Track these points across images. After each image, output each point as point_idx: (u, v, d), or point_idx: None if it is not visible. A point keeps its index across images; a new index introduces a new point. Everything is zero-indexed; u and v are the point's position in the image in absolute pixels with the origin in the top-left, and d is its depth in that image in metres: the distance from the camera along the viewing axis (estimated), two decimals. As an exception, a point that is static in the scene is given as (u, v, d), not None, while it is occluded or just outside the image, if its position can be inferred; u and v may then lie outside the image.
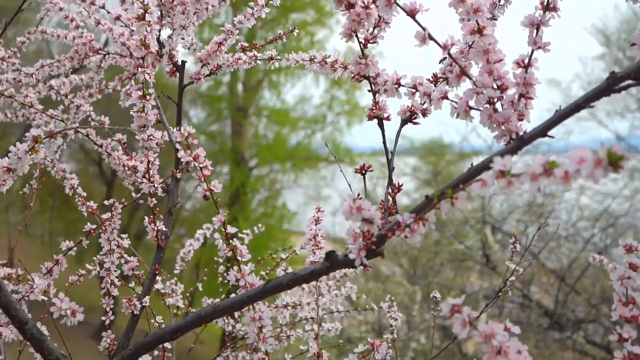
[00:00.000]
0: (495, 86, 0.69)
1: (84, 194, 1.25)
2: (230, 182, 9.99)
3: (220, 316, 0.74)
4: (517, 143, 0.64)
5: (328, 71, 0.91)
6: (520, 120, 0.68)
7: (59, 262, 1.02)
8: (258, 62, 1.13)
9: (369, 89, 0.81)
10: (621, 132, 8.63)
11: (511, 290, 1.22)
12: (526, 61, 0.68)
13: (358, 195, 0.68)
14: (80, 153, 10.09)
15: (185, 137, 0.71)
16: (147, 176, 1.04)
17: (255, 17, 1.07)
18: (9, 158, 0.83)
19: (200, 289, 1.54)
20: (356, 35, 0.76)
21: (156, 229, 1.11)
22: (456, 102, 0.72)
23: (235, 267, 0.78)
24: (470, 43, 0.73)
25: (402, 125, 0.82)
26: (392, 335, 1.24)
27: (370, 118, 0.81)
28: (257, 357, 0.80)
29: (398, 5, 0.69)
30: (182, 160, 0.71)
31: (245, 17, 1.07)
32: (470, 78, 0.71)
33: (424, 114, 0.82)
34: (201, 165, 0.73)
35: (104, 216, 1.03)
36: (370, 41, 0.79)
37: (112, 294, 1.07)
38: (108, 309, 1.08)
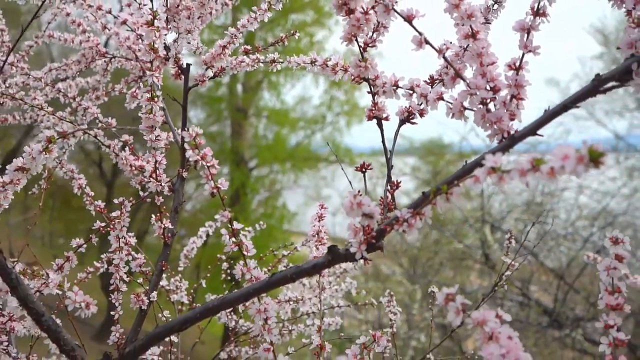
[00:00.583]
0: (488, 88, 0.73)
1: (92, 193, 1.29)
2: (230, 183, 10.02)
3: (228, 308, 0.77)
4: (509, 141, 0.68)
5: (329, 74, 0.95)
6: (512, 119, 0.72)
7: (70, 259, 1.06)
8: (260, 64, 1.17)
9: (369, 90, 0.85)
10: (620, 131, 8.66)
11: (507, 286, 1.25)
12: (517, 64, 0.72)
13: (358, 192, 0.71)
14: (80, 154, 10.12)
15: (193, 137, 0.75)
16: (154, 175, 1.07)
17: (258, 21, 1.11)
18: (23, 158, 0.86)
19: (204, 285, 1.57)
20: (356, 39, 0.80)
21: (163, 226, 1.14)
22: (451, 103, 0.76)
23: (242, 262, 0.82)
24: (464, 46, 0.77)
25: (400, 125, 0.86)
26: (392, 330, 1.27)
27: (369, 118, 0.85)
28: (262, 348, 0.83)
29: (396, 11, 0.73)
30: (190, 159, 0.75)
31: (248, 21, 1.11)
32: (464, 80, 0.75)
33: (421, 114, 0.85)
34: (208, 164, 0.77)
35: (114, 214, 1.07)
36: (370, 45, 0.82)
37: (120, 289, 1.11)
38: (117, 304, 1.12)
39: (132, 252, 1.19)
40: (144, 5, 1.13)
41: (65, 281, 0.84)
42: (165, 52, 1.11)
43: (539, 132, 0.68)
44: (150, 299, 1.09)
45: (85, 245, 1.10)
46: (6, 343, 1.11)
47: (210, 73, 1.17)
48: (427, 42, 0.73)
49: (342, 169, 0.95)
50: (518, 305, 6.95)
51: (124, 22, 1.24)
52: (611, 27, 8.40)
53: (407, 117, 0.85)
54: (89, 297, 0.80)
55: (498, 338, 0.58)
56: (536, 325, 6.44)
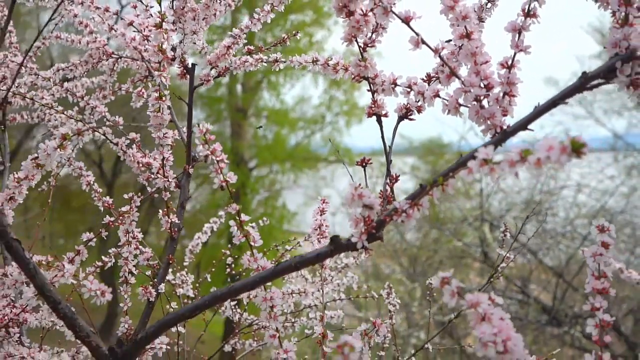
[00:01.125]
0: (482, 85, 0.77)
1: (100, 189, 1.33)
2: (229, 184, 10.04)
3: (235, 295, 0.81)
4: (501, 136, 0.72)
5: (330, 73, 0.99)
6: (505, 115, 0.76)
7: (80, 252, 1.10)
8: (263, 64, 1.21)
9: (368, 88, 0.89)
10: (618, 130, 8.71)
11: (503, 278, 1.29)
12: (509, 62, 0.76)
13: (359, 184, 0.75)
14: (81, 154, 10.16)
15: (203, 133, 0.79)
16: (161, 171, 1.11)
17: (261, 22, 1.15)
18: (38, 154, 0.90)
19: (209, 279, 1.61)
20: (356, 40, 0.84)
21: (170, 221, 1.18)
22: (447, 100, 0.80)
23: (248, 252, 0.86)
24: (459, 46, 0.81)
25: (398, 121, 0.90)
26: (392, 321, 1.31)
27: (369, 115, 0.89)
28: (268, 335, 0.87)
29: (394, 13, 0.77)
30: (200, 154, 0.79)
31: (252, 22, 1.15)
32: (459, 78, 0.79)
33: (419, 111, 0.89)
34: (218, 158, 0.81)
35: (123, 209, 1.11)
36: (369, 45, 0.86)
37: (129, 282, 1.15)
38: (126, 296, 1.16)
39: (140, 247, 1.23)
40: (151, 7, 1.17)
41: (80, 271, 0.88)
42: (172, 53, 1.15)
43: (530, 127, 0.72)
44: (159, 291, 1.13)
45: (95, 239, 1.14)
46: (18, 335, 1.16)
47: (214, 73, 1.21)
48: (423, 42, 0.78)
49: (343, 163, 0.99)
50: (517, 303, 7.00)
51: (131, 24, 1.27)
52: (609, 26, 8.43)
53: (405, 114, 0.89)
54: (103, 286, 0.84)
55: (490, 319, 0.62)
56: (535, 322, 6.49)
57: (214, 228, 1.68)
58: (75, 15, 1.45)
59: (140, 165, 1.24)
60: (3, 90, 1.35)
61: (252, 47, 1.25)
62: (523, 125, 0.70)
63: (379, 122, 0.89)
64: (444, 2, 0.76)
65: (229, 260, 1.63)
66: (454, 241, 7.28)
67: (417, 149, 10.45)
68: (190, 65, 1.23)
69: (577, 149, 0.50)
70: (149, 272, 1.19)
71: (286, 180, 11.58)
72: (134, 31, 1.30)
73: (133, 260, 1.14)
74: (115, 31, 1.39)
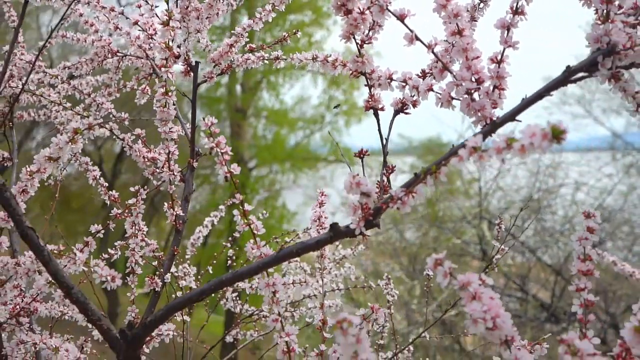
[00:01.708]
0: (473, 79, 0.81)
1: (106, 184, 1.37)
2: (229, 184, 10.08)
3: (240, 280, 0.85)
4: (490, 127, 0.76)
5: (329, 69, 1.03)
6: (494, 108, 0.80)
7: (89, 244, 1.14)
8: (265, 61, 1.25)
9: (366, 83, 0.93)
10: (617, 129, 8.76)
11: (502, 276, 1.33)
12: (499, 58, 0.80)
13: (357, 174, 0.79)
14: (81, 155, 10.19)
15: (208, 127, 0.83)
16: (167, 165, 1.15)
17: (263, 21, 1.19)
18: (50, 148, 0.94)
19: (211, 271, 1.66)
20: (353, 37, 0.88)
21: (175, 214, 1.22)
22: (440, 93, 0.84)
23: (251, 240, 0.90)
24: (452, 43, 0.85)
25: (394, 115, 0.94)
26: (390, 311, 1.35)
27: (366, 109, 0.93)
28: (271, 318, 0.91)
29: (389, 11, 0.81)
30: (205, 146, 0.83)
31: (254, 21, 1.19)
32: (451, 72, 0.83)
33: (414, 105, 0.93)
34: (222, 151, 0.85)
35: (130, 201, 1.15)
36: (366, 42, 0.90)
37: (136, 272, 1.19)
38: (133, 286, 1.20)
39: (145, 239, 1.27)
40: (156, 7, 1.21)
41: (91, 259, 0.92)
42: (177, 50, 1.19)
43: (518, 118, 0.76)
44: (165, 281, 1.17)
45: (103, 231, 1.18)
46: (28, 324, 1.20)
47: (217, 70, 1.26)
48: (417, 39, 0.82)
49: (346, 162, 1.02)
50: (517, 301, 7.05)
51: (136, 23, 1.31)
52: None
53: (401, 108, 0.93)
54: (113, 271, 0.88)
55: (480, 297, 0.66)
56: (534, 320, 6.54)
57: (214, 222, 1.72)
58: (81, 15, 1.49)
59: (146, 159, 1.28)
60: (13, 87, 1.39)
61: (253, 46, 1.29)
62: (511, 116, 0.75)
63: (376, 115, 0.93)
64: (436, 1, 0.81)
65: (230, 252, 1.67)
66: (453, 239, 7.33)
67: (417, 148, 10.51)
68: (193, 63, 1.27)
69: (557, 135, 0.54)
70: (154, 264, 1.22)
71: (286, 180, 11.63)
72: (139, 30, 1.35)
73: (140, 251, 1.18)
74: (121, 30, 1.43)
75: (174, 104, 1.24)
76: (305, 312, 1.46)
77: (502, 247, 1.35)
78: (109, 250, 1.35)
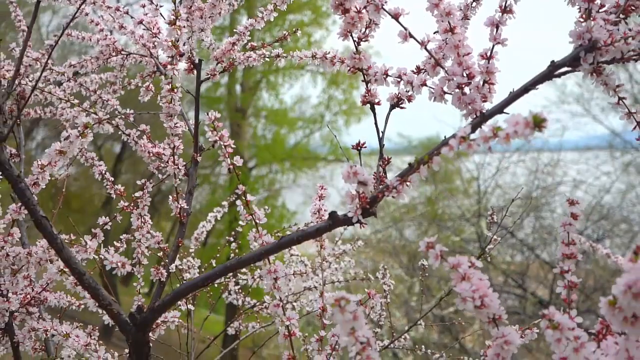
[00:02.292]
0: (464, 74, 0.85)
1: (112, 178, 1.41)
2: (229, 183, 10.15)
3: (243, 267, 0.90)
4: (480, 119, 0.80)
5: (328, 65, 1.07)
6: (484, 101, 0.84)
7: (97, 235, 1.18)
8: (266, 59, 1.29)
9: (363, 79, 0.98)
10: (616, 128, 8.81)
11: (490, 257, 1.38)
12: (488, 54, 0.85)
13: (354, 164, 0.84)
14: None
15: (212, 121, 0.87)
16: (172, 159, 1.20)
17: (264, 20, 1.23)
18: (61, 143, 0.99)
19: (215, 265, 1.70)
20: (351, 35, 0.93)
21: (179, 206, 1.26)
22: (433, 88, 0.89)
23: (254, 229, 0.94)
24: (445, 40, 0.89)
25: (390, 109, 0.98)
26: (386, 300, 1.40)
27: (363, 103, 0.97)
28: (272, 304, 0.96)
29: (384, 10, 0.85)
30: (210, 139, 0.88)
31: (255, 20, 1.23)
32: (443, 68, 0.87)
33: (409, 100, 0.98)
34: (225, 144, 0.89)
35: (136, 194, 1.19)
36: (363, 39, 0.95)
37: (142, 263, 1.23)
38: (139, 276, 1.24)
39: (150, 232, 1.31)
40: (161, 6, 1.25)
41: (101, 247, 0.97)
42: (183, 48, 1.23)
43: (506, 110, 0.80)
44: (170, 271, 1.21)
45: (110, 223, 1.22)
46: (38, 314, 1.24)
47: (220, 68, 1.30)
48: (411, 36, 0.86)
49: (347, 159, 1.06)
50: (515, 298, 7.10)
51: (140, 22, 1.36)
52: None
53: (396, 102, 0.98)
54: (123, 258, 0.92)
55: (470, 278, 0.71)
56: (533, 317, 6.58)
57: (217, 217, 1.77)
58: (87, 14, 1.53)
59: (151, 154, 1.32)
60: (23, 84, 1.44)
61: (255, 44, 1.34)
62: (499, 109, 0.79)
63: (373, 109, 0.97)
64: (429, 0, 0.85)
65: (233, 245, 1.71)
66: (452, 237, 7.38)
67: (416, 147, 10.56)
68: (197, 61, 1.31)
69: (538, 123, 0.59)
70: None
71: (285, 179, 11.67)
72: (143, 29, 1.39)
73: (146, 242, 1.22)
74: (125, 29, 1.47)
75: (178, 101, 1.28)
76: (306, 303, 1.50)
77: (495, 237, 1.39)
78: (115, 243, 1.39)
